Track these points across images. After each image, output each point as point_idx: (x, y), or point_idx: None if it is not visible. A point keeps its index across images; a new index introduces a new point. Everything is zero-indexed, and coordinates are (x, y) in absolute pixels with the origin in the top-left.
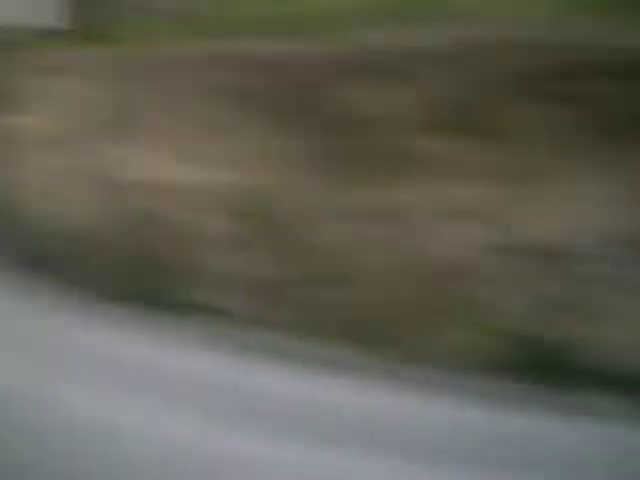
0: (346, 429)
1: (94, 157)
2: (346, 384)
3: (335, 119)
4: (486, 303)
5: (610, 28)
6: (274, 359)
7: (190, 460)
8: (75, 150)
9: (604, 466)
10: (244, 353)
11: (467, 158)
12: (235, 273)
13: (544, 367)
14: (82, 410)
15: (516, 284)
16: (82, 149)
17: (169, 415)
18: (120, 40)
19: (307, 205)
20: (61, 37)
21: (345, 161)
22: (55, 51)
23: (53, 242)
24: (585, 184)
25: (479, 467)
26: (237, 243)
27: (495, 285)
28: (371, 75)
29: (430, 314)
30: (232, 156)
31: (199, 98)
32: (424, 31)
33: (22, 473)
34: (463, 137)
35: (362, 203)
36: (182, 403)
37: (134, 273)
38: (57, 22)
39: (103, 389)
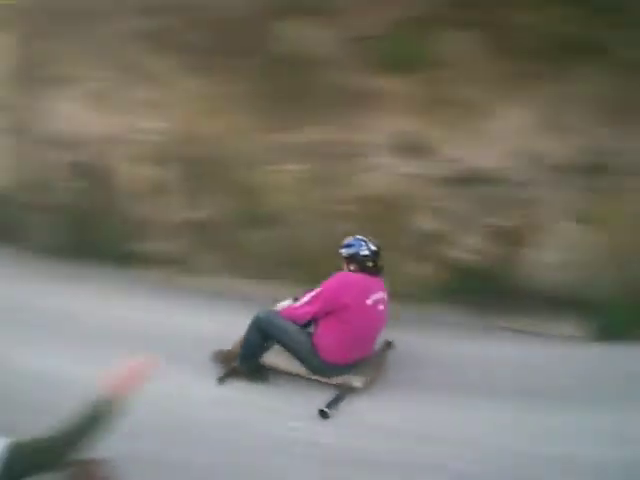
0: None
1: (16, 112)
2: None
3: (276, 60)
4: (431, 234)
5: None
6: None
7: None
8: None
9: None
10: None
11: (402, 93)
12: (169, 220)
13: (488, 292)
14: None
15: (457, 213)
16: (4, 105)
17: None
18: None
19: (249, 147)
20: None
21: (287, 102)
22: None
23: None
24: (512, 114)
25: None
26: (172, 189)
27: (437, 215)
28: (298, 13)
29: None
30: (166, 103)
31: (126, 45)
32: None
33: None
34: (394, 73)
35: (299, 142)
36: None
37: (71, 227)
38: None
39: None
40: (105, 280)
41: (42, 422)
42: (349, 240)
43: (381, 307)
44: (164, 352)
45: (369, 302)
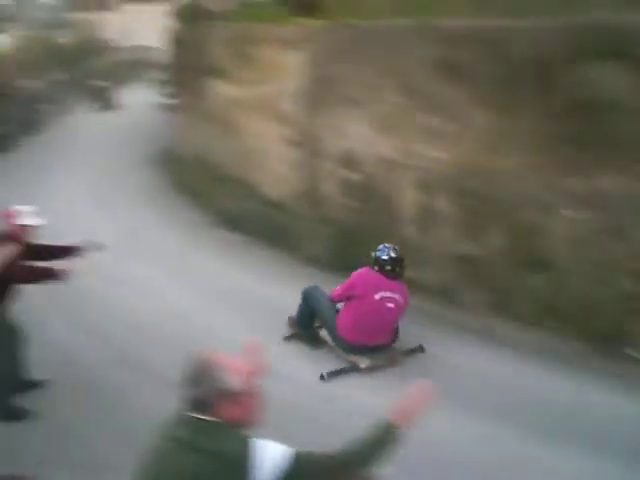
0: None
1: (304, 127)
2: (551, 373)
3: (571, 101)
4: None
5: None
6: (471, 337)
7: None
8: (286, 120)
9: None
10: (435, 326)
11: None
12: (441, 249)
13: None
14: None
15: None
16: (292, 119)
17: None
18: (329, 11)
19: (531, 188)
20: (272, 7)
21: (576, 146)
22: (266, 23)
23: (266, 207)
24: None
25: None
26: (445, 220)
27: None
28: (609, 57)
29: None
30: (449, 133)
31: (414, 73)
32: None
33: None
34: None
35: (591, 189)
36: None
37: (340, 241)
38: None
39: None
40: None
41: (320, 438)
42: (380, 246)
43: (390, 305)
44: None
45: (377, 297)
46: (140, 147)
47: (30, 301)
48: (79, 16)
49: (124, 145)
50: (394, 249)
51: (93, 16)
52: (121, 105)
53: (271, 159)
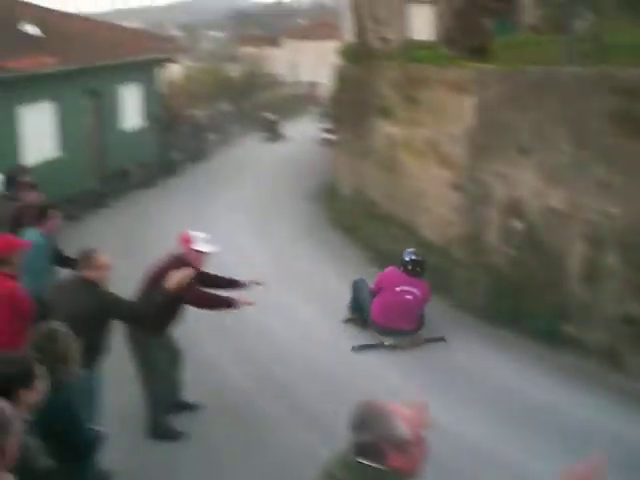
0: None
1: (469, 171)
2: None
3: None
4: None
5: None
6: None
7: None
8: (450, 163)
9: None
10: (595, 390)
11: None
12: (608, 307)
13: None
14: None
15: None
16: (456, 162)
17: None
18: (499, 55)
19: None
20: (438, 49)
21: None
22: (433, 65)
23: (423, 249)
24: None
25: None
26: (613, 277)
27: None
28: None
29: None
30: (623, 187)
31: (589, 122)
32: None
33: None
34: None
35: None
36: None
37: (498, 290)
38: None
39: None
40: (524, 354)
41: None
42: (406, 250)
43: (408, 297)
44: None
45: (398, 289)
46: (299, 179)
47: (188, 324)
48: (247, 50)
49: (284, 176)
50: (415, 253)
51: (261, 51)
52: (285, 137)
53: (432, 201)
